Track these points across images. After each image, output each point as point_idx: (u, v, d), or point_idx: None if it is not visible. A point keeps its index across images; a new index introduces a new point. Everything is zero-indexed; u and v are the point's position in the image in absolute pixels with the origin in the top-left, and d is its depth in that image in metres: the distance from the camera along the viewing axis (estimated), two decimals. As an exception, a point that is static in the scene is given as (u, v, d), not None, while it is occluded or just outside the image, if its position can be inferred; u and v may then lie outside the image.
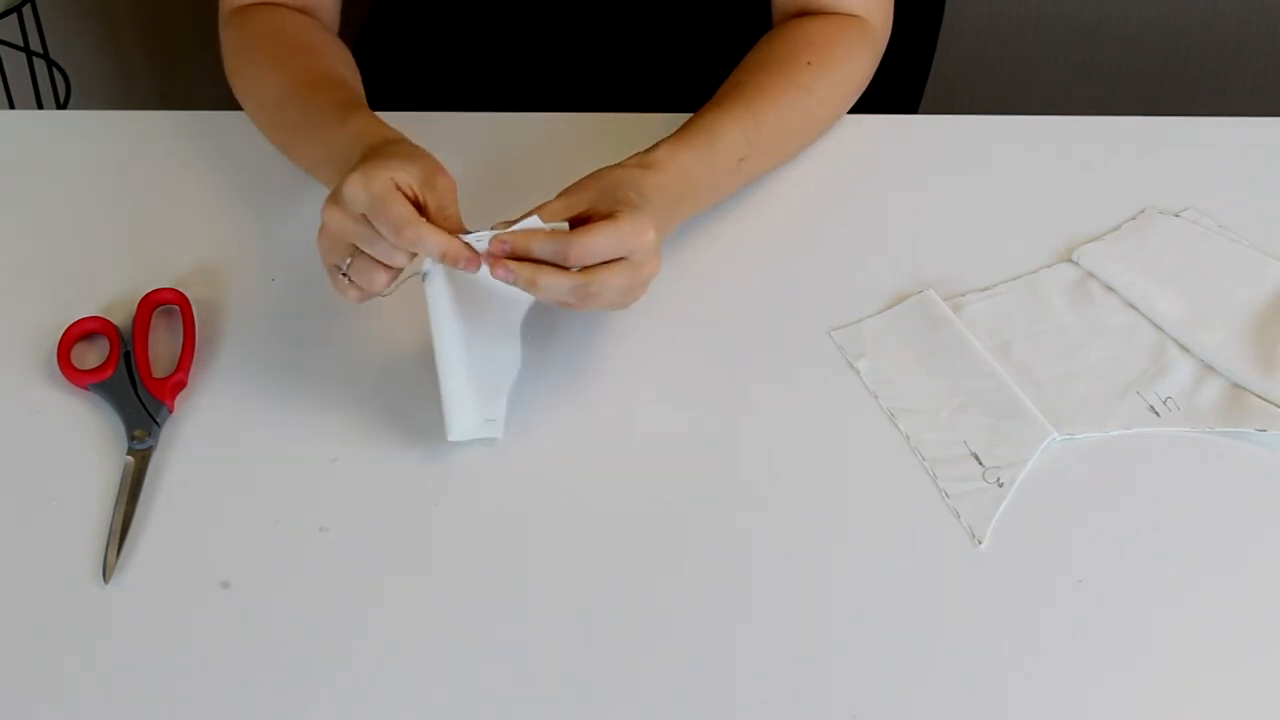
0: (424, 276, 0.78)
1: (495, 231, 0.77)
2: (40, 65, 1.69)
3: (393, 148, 0.81)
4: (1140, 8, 1.73)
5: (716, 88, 0.96)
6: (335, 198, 0.77)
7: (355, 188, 0.76)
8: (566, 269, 0.77)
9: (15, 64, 1.70)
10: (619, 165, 0.85)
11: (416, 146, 0.82)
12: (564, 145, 1.02)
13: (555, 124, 1.04)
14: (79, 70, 1.84)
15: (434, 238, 0.75)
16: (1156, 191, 0.98)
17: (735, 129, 0.91)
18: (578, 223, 0.79)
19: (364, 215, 0.76)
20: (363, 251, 0.77)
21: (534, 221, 0.78)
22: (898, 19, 1.04)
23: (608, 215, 0.78)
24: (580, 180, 0.83)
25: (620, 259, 0.78)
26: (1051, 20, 1.75)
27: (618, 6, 1.13)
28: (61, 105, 1.72)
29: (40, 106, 1.71)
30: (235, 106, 1.03)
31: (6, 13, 1.58)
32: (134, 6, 1.86)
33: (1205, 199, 0.97)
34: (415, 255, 0.77)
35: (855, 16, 1.00)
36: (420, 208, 0.77)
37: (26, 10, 1.62)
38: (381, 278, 0.78)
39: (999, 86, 1.82)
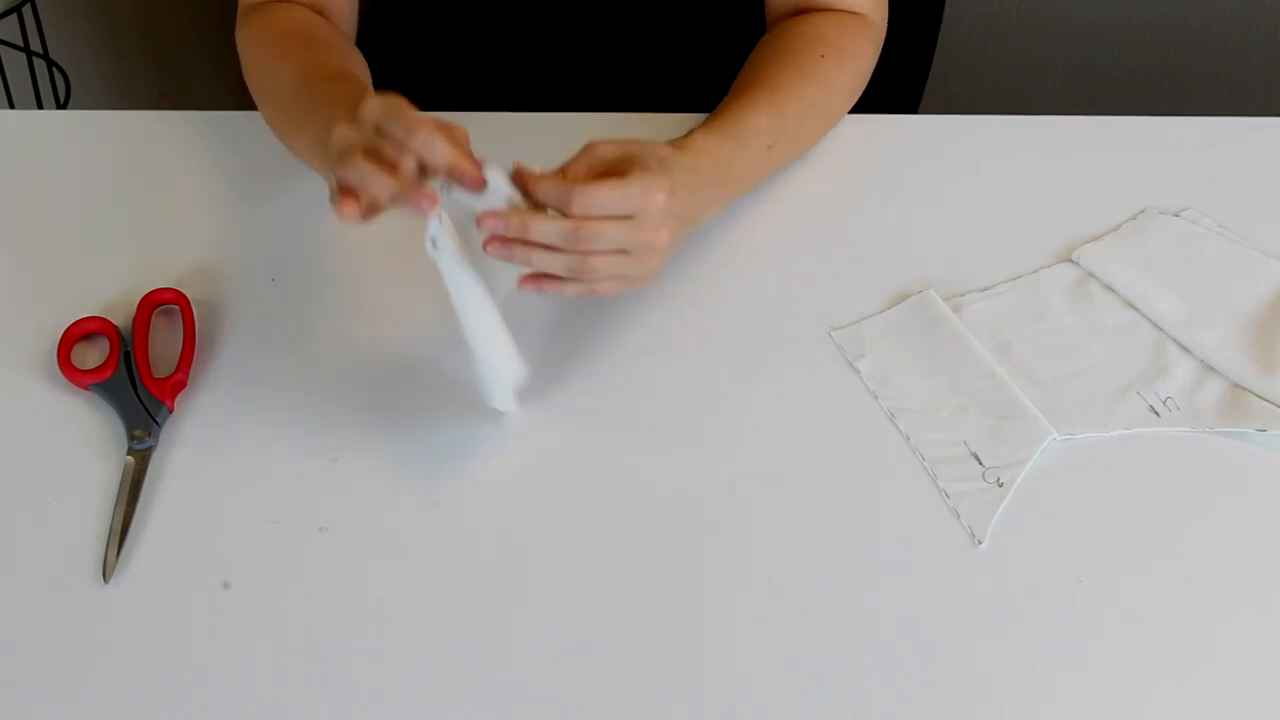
0: (432, 243, 0.75)
1: (505, 170, 0.77)
2: (40, 65, 1.69)
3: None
4: (1140, 8, 1.73)
5: (718, 88, 0.96)
6: (348, 119, 0.76)
7: (373, 100, 0.76)
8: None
9: (15, 64, 1.70)
10: (652, 141, 0.84)
11: None
12: (565, 145, 1.02)
13: (556, 124, 1.04)
14: (79, 70, 1.84)
15: (445, 146, 0.74)
16: (1156, 191, 0.98)
17: (763, 117, 0.92)
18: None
19: (376, 130, 0.75)
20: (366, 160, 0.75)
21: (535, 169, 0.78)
22: (897, 18, 1.04)
23: (621, 173, 0.78)
24: (610, 140, 0.81)
25: (624, 217, 0.77)
26: (1051, 20, 1.75)
27: (619, 7, 1.13)
28: (61, 105, 1.72)
29: (40, 106, 1.71)
30: (236, 106, 1.03)
31: (6, 13, 1.58)
32: (134, 6, 1.86)
33: (1205, 199, 0.97)
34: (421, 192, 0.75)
35: (856, 14, 1.00)
36: None
37: (26, 10, 1.62)
38: (380, 180, 0.73)
39: (999, 86, 1.82)
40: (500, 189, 0.77)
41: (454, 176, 0.75)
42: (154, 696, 0.72)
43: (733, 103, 0.93)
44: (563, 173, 0.79)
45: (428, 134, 0.73)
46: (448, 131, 0.76)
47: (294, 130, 0.95)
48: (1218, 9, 1.73)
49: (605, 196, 0.76)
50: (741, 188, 0.93)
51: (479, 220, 0.76)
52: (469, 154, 0.76)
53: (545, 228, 0.76)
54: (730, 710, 0.71)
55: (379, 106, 0.75)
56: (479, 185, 0.76)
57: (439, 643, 0.74)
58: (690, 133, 0.88)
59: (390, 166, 0.73)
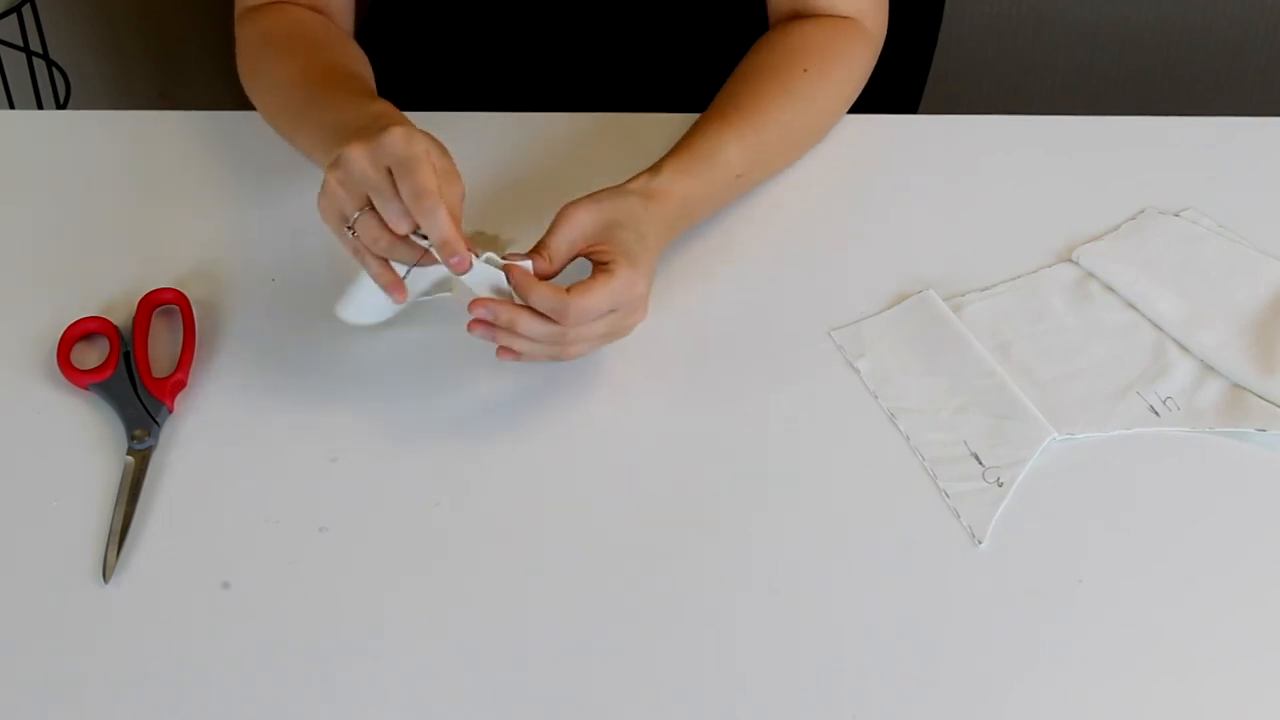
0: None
1: (492, 255, 0.79)
2: (40, 65, 1.69)
3: (423, 132, 0.81)
4: (1140, 8, 1.73)
5: (716, 87, 0.96)
6: (366, 141, 0.78)
7: (398, 139, 0.77)
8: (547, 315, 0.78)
9: (15, 64, 1.70)
10: (624, 190, 0.85)
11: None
12: (562, 145, 1.02)
13: (554, 124, 1.04)
14: (79, 70, 1.84)
15: (445, 220, 0.76)
16: (1156, 191, 0.98)
17: (736, 145, 0.92)
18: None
19: (387, 170, 0.77)
20: (371, 209, 0.78)
21: (527, 264, 0.80)
22: (897, 19, 1.04)
23: (605, 264, 0.80)
24: (585, 201, 0.83)
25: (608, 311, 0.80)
26: (1051, 20, 1.75)
27: (618, 6, 1.13)
28: (61, 105, 1.72)
29: (40, 106, 1.71)
30: (236, 106, 1.04)
31: (6, 13, 1.58)
32: (134, 6, 1.86)
33: (1205, 199, 0.97)
34: (416, 234, 0.79)
35: (850, 19, 1.00)
36: None
37: (26, 10, 1.62)
38: (384, 240, 0.79)
39: (999, 86, 1.82)
40: (479, 275, 0.79)
41: (443, 253, 0.77)
42: (154, 696, 0.72)
43: (709, 126, 0.92)
44: (547, 255, 0.80)
45: (432, 204, 0.76)
46: (448, 183, 0.78)
47: (296, 126, 0.95)
48: (1218, 9, 1.73)
49: (596, 304, 0.79)
50: (706, 214, 0.93)
51: (471, 306, 0.78)
52: (459, 230, 0.78)
53: (534, 328, 0.78)
54: (730, 710, 0.71)
55: (400, 151, 0.77)
56: (463, 269, 0.78)
57: (439, 643, 0.74)
58: (661, 165, 0.88)
59: (390, 235, 0.78)
